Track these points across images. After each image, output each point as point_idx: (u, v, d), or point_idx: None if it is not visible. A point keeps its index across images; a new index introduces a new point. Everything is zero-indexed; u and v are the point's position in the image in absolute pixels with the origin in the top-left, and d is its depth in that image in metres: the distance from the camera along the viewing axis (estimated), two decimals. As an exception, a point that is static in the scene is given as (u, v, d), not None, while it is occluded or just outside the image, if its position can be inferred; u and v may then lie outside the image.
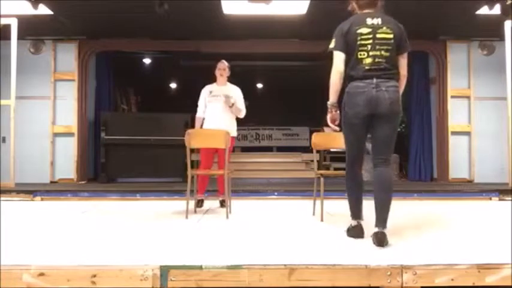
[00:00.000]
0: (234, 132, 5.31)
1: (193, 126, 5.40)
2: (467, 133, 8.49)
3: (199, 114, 5.42)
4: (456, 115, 8.48)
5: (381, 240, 3.01)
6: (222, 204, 5.25)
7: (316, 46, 8.31)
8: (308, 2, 6.55)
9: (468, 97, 8.51)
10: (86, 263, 2.54)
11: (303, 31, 7.89)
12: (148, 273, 2.44)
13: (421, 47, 8.59)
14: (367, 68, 3.11)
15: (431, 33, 8.24)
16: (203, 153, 5.17)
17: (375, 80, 3.09)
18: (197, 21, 7.49)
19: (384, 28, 3.14)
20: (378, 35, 3.12)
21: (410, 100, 9.33)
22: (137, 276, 2.44)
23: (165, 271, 2.45)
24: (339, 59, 3.18)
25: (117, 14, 7.16)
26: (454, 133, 8.46)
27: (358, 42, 3.12)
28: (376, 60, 3.11)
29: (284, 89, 13.88)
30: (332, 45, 3.22)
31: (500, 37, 7.35)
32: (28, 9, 6.37)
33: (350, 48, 3.16)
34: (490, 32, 7.83)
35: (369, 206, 3.39)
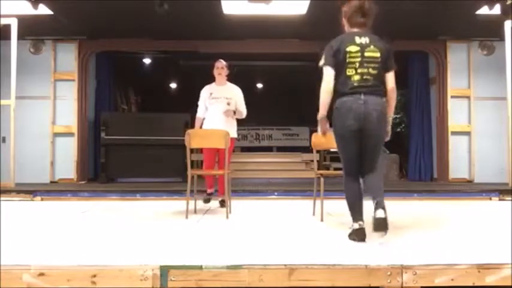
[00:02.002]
0: (234, 134, 5.31)
1: (193, 126, 5.39)
2: (467, 133, 8.49)
3: (199, 114, 5.40)
4: (456, 115, 8.48)
5: (380, 224, 3.07)
6: (222, 204, 5.25)
7: (316, 46, 8.26)
8: (308, 2, 6.55)
9: (468, 97, 8.51)
10: (86, 263, 2.54)
11: (303, 31, 7.88)
12: (148, 273, 2.44)
13: (421, 47, 8.61)
14: (355, 84, 3.26)
15: (431, 33, 8.24)
16: (205, 153, 5.21)
17: (362, 97, 3.23)
18: (197, 21, 7.49)
19: (372, 47, 3.29)
20: (366, 53, 3.27)
21: (410, 100, 9.34)
22: (137, 276, 2.44)
23: (165, 271, 2.45)
24: (328, 74, 3.32)
25: (117, 14, 7.16)
26: (454, 133, 8.46)
27: (347, 60, 3.27)
28: (364, 77, 3.26)
29: (284, 89, 13.88)
30: (322, 61, 3.36)
31: (500, 37, 7.35)
32: (28, 9, 6.37)
33: (339, 65, 3.29)
34: (490, 32, 7.83)
35: (368, 207, 3.40)
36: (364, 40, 3.28)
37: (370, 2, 3.37)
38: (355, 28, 3.37)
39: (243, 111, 5.39)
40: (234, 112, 5.27)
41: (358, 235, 3.25)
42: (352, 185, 3.40)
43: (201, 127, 5.34)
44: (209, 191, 5.26)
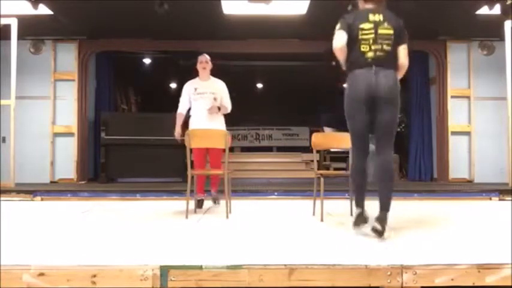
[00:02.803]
0: (223, 128, 5.16)
1: (174, 124, 5.22)
2: (467, 133, 8.49)
3: (181, 110, 5.23)
4: (456, 115, 8.49)
5: (382, 220, 3.16)
6: (215, 202, 5.26)
7: (316, 46, 8.31)
8: (308, 2, 6.55)
9: (468, 97, 8.51)
10: (86, 263, 2.53)
11: (303, 31, 7.89)
12: (148, 273, 2.44)
13: (421, 47, 8.60)
14: (369, 60, 3.31)
15: (431, 33, 8.24)
16: (196, 153, 5.04)
17: (373, 68, 3.28)
18: (197, 21, 7.49)
19: (385, 24, 3.33)
20: (380, 31, 3.32)
21: (410, 100, 9.34)
22: (137, 276, 2.44)
23: (165, 271, 2.45)
24: (341, 35, 3.35)
25: (117, 14, 7.17)
26: (454, 133, 8.46)
27: (360, 37, 3.32)
28: (378, 53, 3.31)
29: (284, 89, 13.88)
30: (338, 27, 3.39)
31: (500, 37, 7.35)
32: (28, 9, 6.37)
33: (352, 41, 3.34)
34: (490, 32, 7.83)
35: (370, 206, 3.40)
36: (378, 17, 3.32)
37: None
38: (369, 4, 3.40)
39: (228, 107, 5.26)
40: (219, 108, 5.14)
41: (360, 219, 3.34)
42: (360, 160, 3.45)
43: (185, 124, 5.20)
44: (199, 196, 5.10)
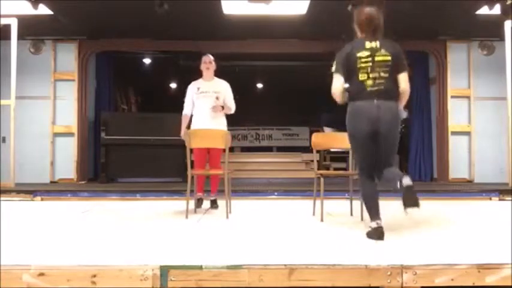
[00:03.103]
0: (225, 128, 5.15)
1: (180, 126, 5.20)
2: (467, 133, 8.49)
3: (185, 112, 5.22)
4: (456, 115, 8.48)
5: (409, 195, 3.15)
6: (213, 204, 5.20)
7: (316, 46, 8.31)
8: (308, 2, 6.55)
9: (468, 97, 8.51)
10: (86, 263, 2.53)
11: (303, 31, 7.88)
12: (148, 273, 2.44)
13: (421, 47, 8.60)
14: (368, 89, 3.31)
15: (431, 33, 8.25)
16: (196, 153, 5.02)
17: (375, 101, 3.29)
18: (197, 21, 7.49)
19: (382, 51, 3.33)
20: (377, 58, 3.32)
21: (410, 100, 9.28)
22: (137, 276, 2.44)
23: (165, 271, 2.45)
24: (337, 80, 3.39)
25: (117, 14, 7.17)
26: (454, 133, 8.46)
27: (358, 65, 3.33)
28: (377, 81, 3.31)
29: (284, 89, 13.89)
30: (333, 68, 3.44)
31: (500, 37, 7.35)
32: (28, 9, 6.37)
33: (351, 70, 3.36)
34: (490, 32, 7.83)
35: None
36: (375, 44, 3.33)
37: (380, 10, 3.42)
38: (365, 34, 3.41)
39: (232, 107, 5.24)
40: (222, 107, 5.12)
41: (377, 234, 3.27)
42: (369, 184, 3.45)
43: (189, 125, 5.19)
44: (199, 195, 5.10)
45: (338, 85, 3.37)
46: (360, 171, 3.50)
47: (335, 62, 3.42)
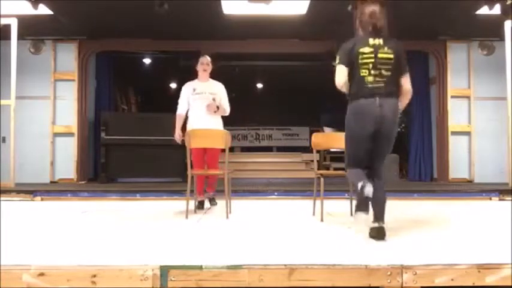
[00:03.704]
0: (221, 128, 5.14)
1: (174, 125, 5.17)
2: (467, 133, 8.50)
3: (180, 111, 5.20)
4: (456, 115, 8.49)
5: (381, 233, 3.19)
6: (212, 202, 5.24)
7: (316, 46, 8.32)
8: (308, 2, 6.55)
9: (468, 97, 8.51)
10: (86, 263, 2.53)
11: (303, 31, 7.88)
12: (148, 273, 2.44)
13: (421, 47, 8.61)
14: (370, 86, 3.29)
15: (431, 33, 8.25)
16: (194, 154, 4.98)
17: (377, 100, 3.27)
18: (197, 21, 7.49)
19: (385, 48, 3.31)
20: (380, 55, 3.30)
21: (410, 100, 9.30)
22: (137, 276, 2.44)
23: (165, 271, 2.45)
24: (341, 72, 3.36)
25: (117, 14, 7.17)
26: (454, 133, 8.46)
27: (360, 61, 3.31)
28: (377, 79, 3.29)
29: (284, 89, 13.89)
30: (337, 61, 3.40)
31: (500, 37, 7.35)
32: (28, 9, 6.37)
33: (352, 67, 3.34)
34: (490, 32, 7.83)
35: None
36: (378, 41, 3.32)
37: (382, 7, 3.40)
38: (368, 32, 3.39)
39: (227, 108, 5.23)
40: (218, 107, 5.10)
41: (379, 234, 3.27)
42: (358, 171, 3.41)
43: (184, 125, 5.16)
44: (200, 198, 5.09)
45: (342, 75, 3.35)
46: (348, 164, 3.48)
47: (338, 56, 3.40)
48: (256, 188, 7.12)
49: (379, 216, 3.27)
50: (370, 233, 3.25)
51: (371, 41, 3.32)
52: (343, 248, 3.05)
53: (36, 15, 6.60)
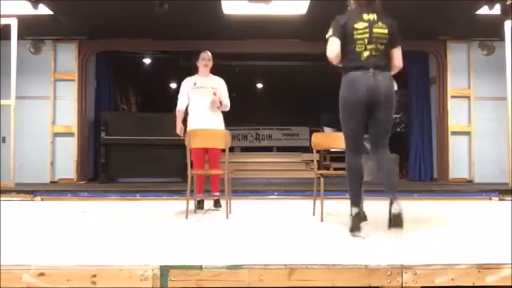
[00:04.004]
0: (222, 126, 5.16)
1: (175, 122, 5.16)
2: (467, 133, 8.50)
3: (180, 107, 5.17)
4: (456, 115, 8.49)
5: (398, 222, 3.16)
6: (216, 204, 5.19)
7: (316, 46, 8.25)
8: (308, 2, 6.55)
9: (468, 97, 8.51)
10: (86, 263, 2.53)
11: (303, 31, 7.89)
12: (148, 273, 2.44)
13: (421, 47, 8.60)
14: (364, 60, 3.30)
15: (431, 33, 8.25)
16: (194, 153, 4.97)
17: (371, 70, 3.27)
18: (197, 21, 7.49)
19: (380, 23, 3.32)
20: (374, 30, 3.30)
21: (410, 100, 9.34)
22: (137, 276, 2.44)
23: (165, 271, 2.45)
24: (334, 44, 3.34)
25: (117, 14, 7.17)
26: (454, 133, 8.46)
27: (355, 37, 3.30)
28: (373, 53, 3.31)
29: (284, 89, 13.89)
30: (329, 33, 3.38)
31: (500, 37, 7.35)
32: (28, 9, 6.37)
33: (346, 41, 3.33)
34: (490, 32, 7.83)
35: (369, 206, 3.40)
36: (372, 16, 3.31)
37: None
38: (362, 6, 3.37)
39: (228, 104, 5.22)
40: (221, 103, 5.08)
41: (354, 222, 3.29)
42: (355, 164, 3.44)
43: (184, 120, 5.15)
44: (199, 197, 5.09)
45: (334, 46, 3.32)
46: (347, 147, 3.48)
47: (331, 29, 3.38)
48: (256, 188, 7.12)
49: (391, 189, 3.22)
50: (390, 222, 3.19)
51: (365, 16, 3.31)
52: (343, 248, 3.04)
53: (36, 15, 6.60)
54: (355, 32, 3.28)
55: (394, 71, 3.47)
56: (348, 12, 3.42)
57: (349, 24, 3.30)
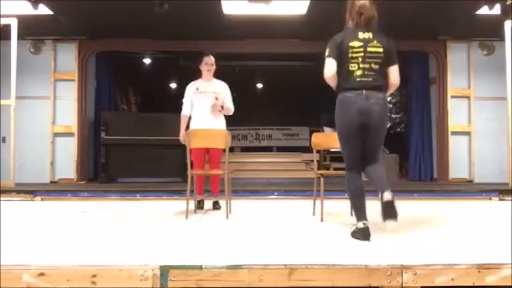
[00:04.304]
0: (224, 128, 5.13)
1: (179, 126, 5.16)
2: (467, 133, 8.50)
3: (184, 112, 5.18)
4: (456, 115, 8.49)
5: (388, 209, 3.12)
6: (215, 205, 5.17)
7: (316, 46, 8.27)
8: (308, 2, 6.55)
9: (468, 97, 8.51)
10: (86, 263, 2.53)
11: (303, 31, 7.89)
12: (148, 273, 2.44)
13: (421, 47, 8.61)
14: (357, 79, 3.30)
15: (431, 33, 8.25)
16: (195, 154, 4.96)
17: (364, 92, 3.27)
18: (197, 21, 7.49)
19: (375, 42, 3.32)
20: (369, 49, 3.30)
21: (410, 100, 9.34)
22: (137, 276, 2.44)
23: (165, 271, 2.45)
24: (331, 64, 3.36)
25: (117, 14, 7.17)
26: (454, 133, 8.46)
27: (350, 55, 3.31)
28: (366, 72, 3.30)
29: (284, 89, 13.89)
30: (326, 53, 3.40)
31: (500, 37, 7.35)
32: (28, 9, 6.37)
33: (342, 60, 3.33)
34: (490, 32, 7.83)
35: (369, 206, 3.40)
36: (368, 35, 3.32)
37: (373, 1, 3.39)
38: (358, 26, 3.38)
39: (231, 108, 5.23)
40: (222, 107, 5.09)
41: (363, 234, 3.24)
42: (356, 182, 3.42)
43: (188, 126, 5.16)
44: (199, 197, 5.10)
45: (331, 68, 3.34)
46: (347, 166, 3.46)
47: (328, 49, 3.39)
48: (256, 188, 7.12)
49: (384, 187, 3.17)
50: (383, 212, 3.15)
51: (361, 34, 3.32)
52: (343, 248, 3.04)
53: (36, 15, 6.60)
54: (350, 50, 3.29)
55: (391, 89, 3.47)
56: (345, 30, 3.43)
57: (345, 42, 3.31)
